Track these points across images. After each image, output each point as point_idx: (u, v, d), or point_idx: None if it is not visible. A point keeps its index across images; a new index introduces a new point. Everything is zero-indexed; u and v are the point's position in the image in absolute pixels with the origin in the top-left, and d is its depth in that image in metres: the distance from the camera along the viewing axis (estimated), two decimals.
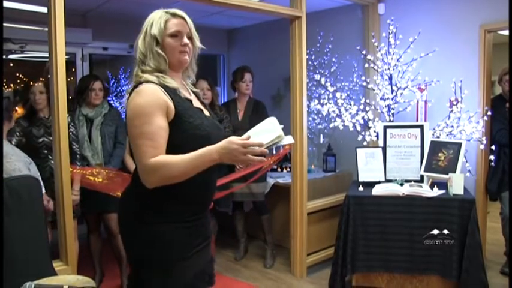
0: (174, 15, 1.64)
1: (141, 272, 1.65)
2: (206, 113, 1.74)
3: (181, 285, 1.64)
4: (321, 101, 3.87)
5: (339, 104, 3.74)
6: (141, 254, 1.63)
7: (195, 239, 1.67)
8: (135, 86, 1.58)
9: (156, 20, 1.62)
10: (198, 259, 1.69)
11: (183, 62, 1.67)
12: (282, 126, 1.68)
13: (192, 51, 1.70)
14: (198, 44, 1.71)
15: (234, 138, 1.49)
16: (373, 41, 3.73)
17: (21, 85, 5.33)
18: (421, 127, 3.40)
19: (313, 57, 4.22)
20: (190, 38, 1.67)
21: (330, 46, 4.27)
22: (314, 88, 4.23)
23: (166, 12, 1.64)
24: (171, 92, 1.58)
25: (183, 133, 1.56)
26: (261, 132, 1.68)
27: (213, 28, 5.45)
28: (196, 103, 1.73)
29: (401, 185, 3.22)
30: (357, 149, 3.45)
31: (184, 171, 1.50)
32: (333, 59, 4.27)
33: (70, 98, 3.60)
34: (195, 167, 1.51)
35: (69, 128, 3.21)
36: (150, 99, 1.52)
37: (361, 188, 3.29)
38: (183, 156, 1.50)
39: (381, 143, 3.50)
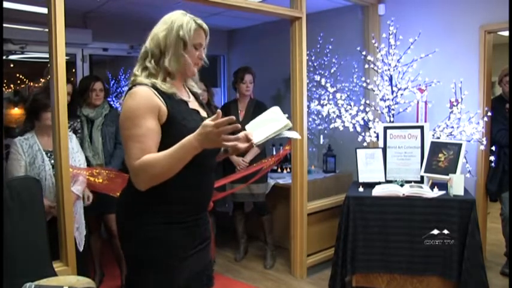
0: (201, 26, 1.65)
1: (138, 273, 1.65)
2: (203, 114, 1.73)
3: (178, 286, 1.64)
4: (321, 102, 3.87)
5: (339, 105, 3.74)
6: (138, 255, 1.64)
7: (193, 240, 1.67)
8: (130, 88, 1.58)
9: (186, 23, 1.60)
10: (195, 260, 1.69)
11: (192, 73, 1.69)
12: (287, 115, 1.67)
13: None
14: (205, 57, 1.72)
15: (206, 121, 1.43)
16: (373, 41, 3.74)
17: (22, 85, 5.34)
18: (421, 128, 3.40)
19: (313, 58, 4.22)
20: None
21: (330, 47, 4.27)
22: (314, 89, 4.22)
23: (194, 21, 1.63)
24: (164, 95, 1.57)
25: (177, 136, 1.53)
26: (263, 122, 1.67)
27: (213, 29, 5.38)
28: (194, 105, 1.72)
29: (402, 185, 3.22)
30: (357, 150, 3.45)
31: (169, 166, 1.48)
32: (333, 60, 4.27)
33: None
34: (179, 160, 1.48)
35: (77, 132, 3.24)
36: (140, 101, 1.52)
37: (361, 189, 3.29)
38: (165, 152, 1.48)
39: (381, 143, 3.50)
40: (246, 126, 1.76)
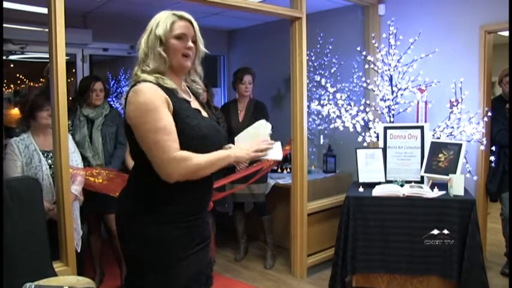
0: (181, 17, 1.64)
1: (137, 273, 1.65)
2: (204, 114, 1.73)
3: (176, 286, 1.64)
4: (321, 102, 3.87)
5: (339, 105, 3.74)
6: (137, 255, 1.64)
7: (192, 240, 1.67)
8: (133, 86, 1.58)
9: (163, 20, 1.61)
10: (194, 260, 1.69)
11: (184, 66, 1.67)
12: (270, 132, 1.71)
13: (196, 55, 1.70)
14: (203, 48, 1.71)
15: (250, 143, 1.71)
16: (374, 42, 3.73)
17: (22, 86, 5.34)
18: (421, 128, 3.40)
19: (313, 58, 4.21)
20: (194, 42, 1.67)
21: (330, 47, 4.26)
22: (314, 89, 4.22)
23: (174, 14, 1.63)
24: (168, 92, 1.58)
25: (180, 133, 1.56)
26: (251, 137, 1.70)
27: (213, 29, 5.45)
28: (195, 104, 1.73)
29: (402, 185, 3.22)
30: (357, 150, 3.45)
31: (206, 165, 1.56)
32: (333, 60, 4.27)
33: (70, 98, 3.61)
34: (214, 163, 1.58)
35: (69, 129, 3.24)
36: (152, 95, 1.53)
37: (361, 189, 3.28)
38: (203, 155, 1.56)
39: (381, 143, 3.50)
40: (236, 138, 1.80)
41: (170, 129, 1.52)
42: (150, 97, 1.52)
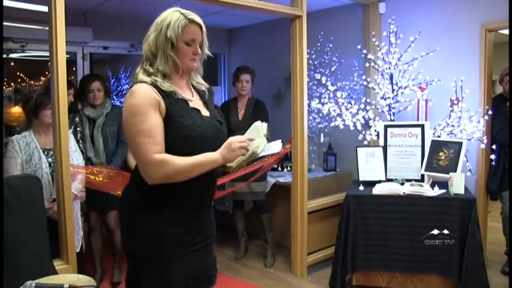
0: (192, 21, 1.63)
1: (136, 269, 1.66)
2: (205, 113, 1.73)
3: (175, 282, 1.65)
4: (322, 100, 3.86)
5: (340, 103, 3.74)
6: (136, 250, 1.65)
7: (192, 238, 1.68)
8: (130, 87, 1.60)
9: (174, 22, 1.59)
10: (196, 258, 1.70)
11: (191, 69, 1.69)
12: (265, 132, 1.70)
13: (200, 57, 1.71)
14: (207, 51, 1.72)
15: (232, 138, 1.63)
16: (374, 40, 3.73)
17: (22, 84, 5.34)
18: (422, 126, 3.40)
19: (313, 57, 4.21)
20: (200, 46, 1.67)
21: (330, 45, 4.26)
22: (315, 87, 4.22)
23: (185, 16, 1.61)
24: (164, 93, 1.59)
25: (174, 133, 1.57)
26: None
27: (214, 27, 5.44)
28: (196, 103, 1.72)
29: (402, 184, 3.22)
30: (358, 148, 3.45)
31: (187, 168, 1.54)
32: (334, 58, 4.27)
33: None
34: (198, 166, 1.56)
35: (77, 127, 3.26)
36: (143, 98, 1.54)
37: (361, 187, 3.29)
38: (186, 157, 1.55)
39: (381, 142, 3.50)
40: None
41: (153, 132, 1.53)
42: (140, 100, 1.54)
